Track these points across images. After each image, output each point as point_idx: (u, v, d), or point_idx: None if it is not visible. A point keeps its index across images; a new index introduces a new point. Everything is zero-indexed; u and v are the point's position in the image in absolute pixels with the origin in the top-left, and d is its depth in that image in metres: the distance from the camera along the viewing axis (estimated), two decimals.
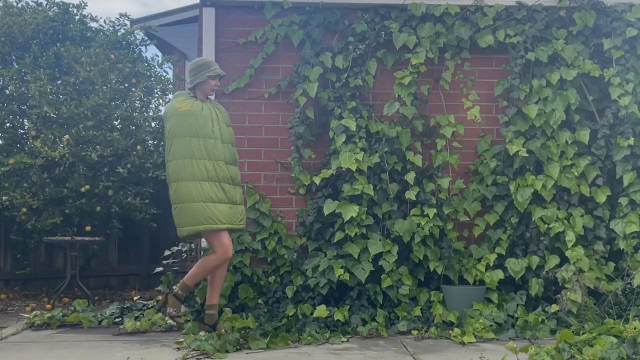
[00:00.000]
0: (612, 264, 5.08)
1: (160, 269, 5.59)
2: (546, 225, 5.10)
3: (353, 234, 5.04)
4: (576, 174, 5.14)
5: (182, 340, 4.26)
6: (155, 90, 7.31)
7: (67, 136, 6.43)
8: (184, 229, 4.35)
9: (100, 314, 5.12)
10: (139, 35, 7.83)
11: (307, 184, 5.29)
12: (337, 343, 4.34)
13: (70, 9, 7.38)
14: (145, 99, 7.19)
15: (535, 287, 5.02)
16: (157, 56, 7.82)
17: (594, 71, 5.24)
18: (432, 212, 5.12)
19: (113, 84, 6.83)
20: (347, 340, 4.43)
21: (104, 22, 9.40)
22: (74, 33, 7.27)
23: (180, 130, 4.38)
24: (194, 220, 4.30)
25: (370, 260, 5.04)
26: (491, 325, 4.67)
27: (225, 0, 5.50)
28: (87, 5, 9.64)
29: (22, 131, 6.82)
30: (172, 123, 4.42)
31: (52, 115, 6.53)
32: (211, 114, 4.49)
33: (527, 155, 5.15)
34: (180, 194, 4.33)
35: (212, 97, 4.85)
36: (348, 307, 4.92)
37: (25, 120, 6.91)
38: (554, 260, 5.03)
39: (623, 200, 5.10)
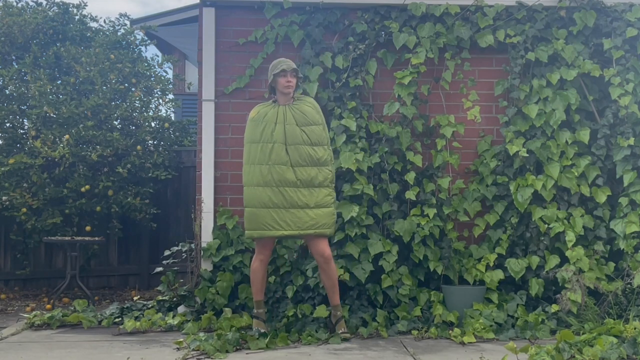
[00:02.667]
0: (612, 264, 5.08)
1: (160, 269, 5.60)
2: (546, 225, 5.09)
3: (353, 234, 5.04)
4: (576, 174, 5.13)
5: (182, 340, 4.25)
6: (155, 90, 7.32)
7: (67, 136, 6.43)
8: (246, 233, 4.50)
9: (100, 314, 5.11)
10: (139, 35, 7.85)
11: None
12: (337, 343, 4.34)
13: (70, 9, 7.39)
14: (145, 99, 7.20)
15: (535, 287, 5.02)
16: (157, 56, 7.82)
17: (594, 71, 5.24)
18: (432, 212, 5.12)
19: (113, 84, 6.84)
20: (347, 340, 4.42)
21: (104, 22, 9.42)
22: (73, 33, 7.27)
23: (246, 137, 4.56)
24: (249, 225, 4.43)
25: (370, 260, 5.04)
26: (491, 325, 4.66)
27: (225, 0, 5.50)
28: (87, 5, 9.64)
29: (22, 131, 6.82)
30: (245, 131, 4.59)
31: (52, 115, 6.54)
32: (277, 117, 4.47)
33: (527, 155, 5.15)
34: (244, 199, 4.49)
35: (296, 95, 4.64)
36: (348, 307, 4.91)
37: (25, 120, 6.91)
38: (554, 260, 5.03)
39: (623, 200, 5.10)
